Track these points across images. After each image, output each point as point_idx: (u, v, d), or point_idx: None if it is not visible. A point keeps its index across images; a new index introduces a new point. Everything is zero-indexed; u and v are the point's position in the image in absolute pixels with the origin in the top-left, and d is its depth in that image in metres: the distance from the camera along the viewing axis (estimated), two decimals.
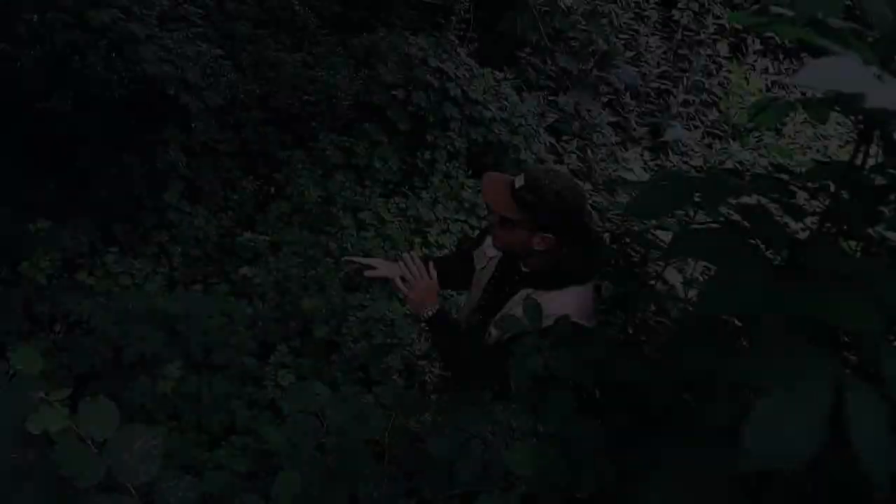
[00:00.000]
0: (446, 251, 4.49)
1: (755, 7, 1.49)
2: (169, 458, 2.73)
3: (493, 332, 2.13)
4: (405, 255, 2.24)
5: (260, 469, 3.20)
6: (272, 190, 5.00)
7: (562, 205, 1.95)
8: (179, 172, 4.33)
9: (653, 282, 2.28)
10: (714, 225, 1.21)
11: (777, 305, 0.84)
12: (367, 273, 2.42)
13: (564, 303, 1.97)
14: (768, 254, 1.02)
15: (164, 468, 1.85)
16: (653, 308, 2.27)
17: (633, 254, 2.48)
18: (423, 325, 2.65)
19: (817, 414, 0.75)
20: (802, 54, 6.57)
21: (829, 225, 1.27)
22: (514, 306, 2.08)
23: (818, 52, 1.02)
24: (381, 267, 2.42)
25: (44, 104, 3.98)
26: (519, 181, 2.01)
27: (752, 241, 1.06)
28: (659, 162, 5.44)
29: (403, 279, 2.19)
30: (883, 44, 0.97)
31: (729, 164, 4.65)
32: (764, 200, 1.45)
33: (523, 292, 2.08)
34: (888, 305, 0.80)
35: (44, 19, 3.81)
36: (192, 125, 4.29)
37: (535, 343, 1.73)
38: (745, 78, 5.83)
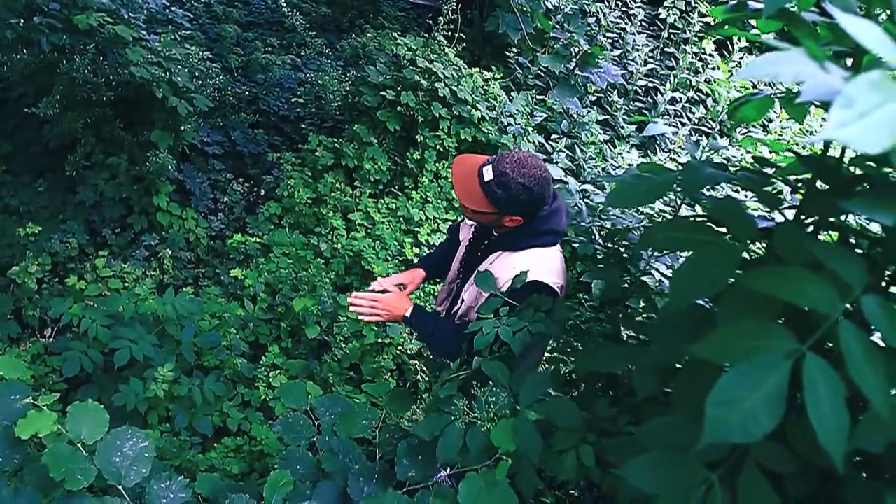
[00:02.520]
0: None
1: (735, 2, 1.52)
2: (161, 460, 2.74)
3: (465, 297, 2.26)
4: (348, 298, 2.38)
5: (253, 470, 3.22)
6: (262, 192, 5.01)
7: (529, 195, 2.05)
8: (169, 175, 4.32)
9: (641, 276, 2.30)
10: (695, 217, 1.23)
11: (743, 290, 0.86)
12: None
13: (532, 261, 2.09)
14: (739, 244, 1.04)
15: (156, 470, 1.86)
16: (642, 304, 2.30)
17: (622, 250, 2.50)
18: (405, 327, 2.76)
19: (774, 388, 0.77)
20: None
21: (805, 216, 1.29)
22: (486, 265, 2.20)
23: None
24: (410, 283, 2.58)
25: (31, 108, 3.97)
26: (487, 173, 2.08)
27: (723, 231, 1.08)
28: (647, 159, 5.47)
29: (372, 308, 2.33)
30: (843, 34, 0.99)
31: (717, 160, 4.67)
32: (749, 194, 1.47)
33: (494, 255, 2.21)
34: (849, 288, 0.83)
35: (30, 23, 3.80)
36: (181, 128, 4.28)
37: (495, 306, 1.80)
38: (731, 74, 5.86)
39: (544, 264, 2.09)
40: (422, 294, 4.29)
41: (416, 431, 1.69)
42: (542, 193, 2.07)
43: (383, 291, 2.38)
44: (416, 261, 4.37)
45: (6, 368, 1.95)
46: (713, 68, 5.86)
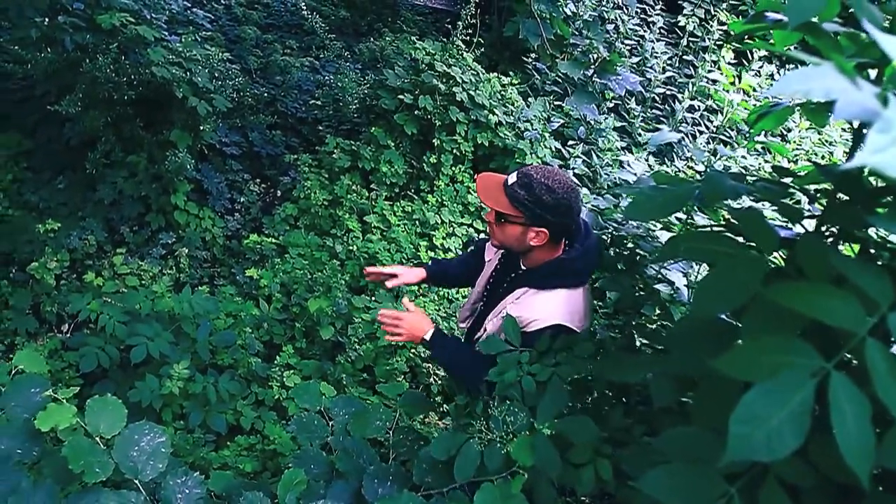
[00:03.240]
0: (451, 254, 4.52)
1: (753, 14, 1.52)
2: (176, 457, 2.76)
3: (488, 327, 2.21)
4: (378, 316, 2.35)
5: (265, 468, 3.23)
6: (279, 193, 5.04)
7: (552, 198, 1.98)
8: (187, 175, 4.36)
9: (656, 284, 2.29)
10: (711, 227, 1.23)
11: (767, 304, 0.86)
12: (390, 283, 2.53)
13: (558, 303, 2.05)
14: (763, 255, 1.04)
15: (171, 466, 1.88)
16: (657, 312, 2.29)
17: (636, 257, 2.49)
18: (424, 349, 2.74)
19: (799, 406, 0.77)
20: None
21: (826, 227, 1.29)
22: (509, 305, 2.15)
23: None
24: (405, 273, 2.56)
25: (54, 106, 4.02)
26: (511, 178, 2.06)
27: (746, 243, 1.08)
28: (664, 167, 5.45)
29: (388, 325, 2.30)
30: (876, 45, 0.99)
31: (734, 169, 4.66)
32: (768, 204, 1.47)
33: (521, 291, 2.14)
34: (875, 304, 0.83)
35: (54, 22, 3.85)
36: (200, 128, 4.32)
37: (515, 359, 1.80)
38: (750, 84, 5.84)
39: (570, 306, 2.05)
40: (436, 298, 4.30)
41: (432, 452, 1.69)
42: (568, 200, 2.00)
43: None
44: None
45: (26, 362, 1.97)
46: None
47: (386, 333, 2.28)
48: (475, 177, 2.27)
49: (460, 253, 4.57)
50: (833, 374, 0.80)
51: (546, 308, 2.04)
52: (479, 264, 2.51)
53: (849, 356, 0.86)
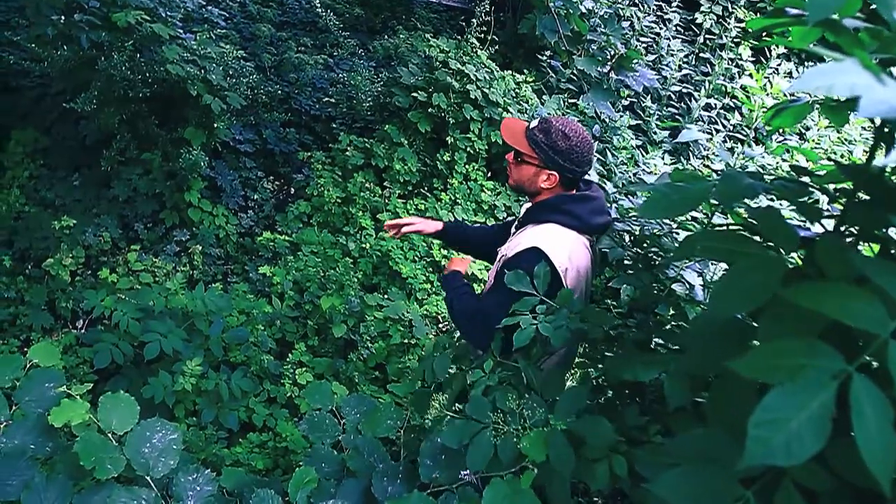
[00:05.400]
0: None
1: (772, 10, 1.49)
2: (187, 453, 2.77)
3: (499, 253, 2.28)
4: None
5: (277, 465, 3.24)
6: (292, 190, 5.05)
7: (567, 144, 2.12)
8: (201, 172, 4.38)
9: (672, 283, 2.27)
10: (729, 226, 1.21)
11: (786, 305, 0.84)
12: (406, 229, 2.67)
13: (545, 232, 2.12)
14: (781, 255, 1.02)
15: (183, 462, 1.88)
16: (671, 312, 2.26)
17: (652, 256, 2.47)
18: (440, 280, 2.82)
19: (820, 409, 0.75)
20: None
21: (846, 227, 1.26)
22: (511, 239, 2.26)
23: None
24: (421, 222, 2.70)
25: (69, 104, 4.05)
26: (533, 123, 2.21)
27: (764, 243, 1.06)
28: (679, 165, 5.40)
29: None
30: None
31: (751, 168, 4.60)
32: (785, 203, 1.44)
33: (521, 230, 2.24)
34: None
35: (70, 20, 3.87)
36: (214, 125, 4.33)
37: (532, 304, 1.79)
38: (769, 81, 5.77)
39: (554, 239, 2.09)
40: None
41: (442, 439, 1.68)
42: (581, 148, 2.13)
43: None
44: (443, 263, 4.37)
45: (41, 356, 1.98)
46: (748, 75, 5.76)
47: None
48: (501, 121, 2.42)
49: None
50: (855, 377, 0.78)
51: (531, 235, 2.12)
52: (502, 237, 2.52)
53: (866, 357, 0.84)
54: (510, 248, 2.16)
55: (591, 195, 2.22)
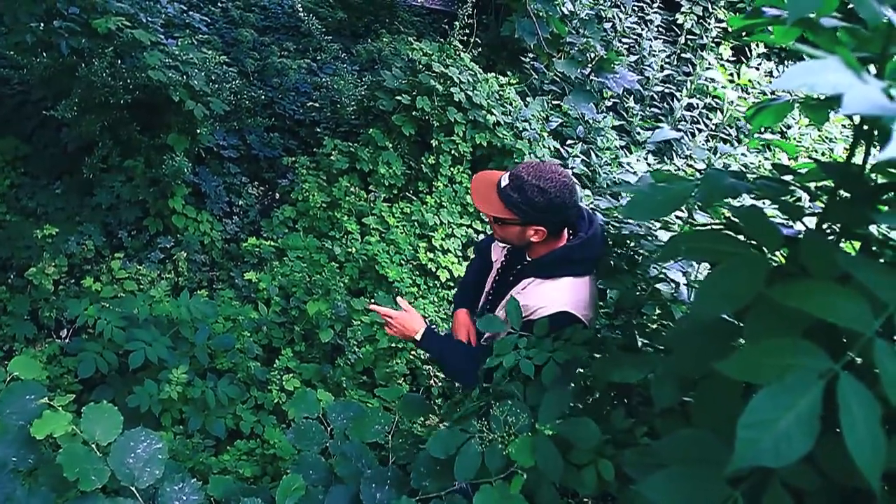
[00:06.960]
0: (450, 255, 4.50)
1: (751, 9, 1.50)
2: (174, 462, 2.75)
3: (500, 314, 2.20)
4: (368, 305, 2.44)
5: (265, 473, 3.22)
6: (277, 195, 5.03)
7: (544, 198, 2.00)
8: (184, 178, 4.34)
9: (656, 284, 2.27)
10: (713, 226, 1.21)
11: (771, 304, 0.84)
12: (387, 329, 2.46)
13: (564, 291, 2.06)
14: (765, 254, 1.02)
15: (169, 472, 1.86)
16: (657, 312, 2.27)
17: (636, 256, 2.48)
18: (417, 347, 2.77)
19: (808, 409, 0.75)
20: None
21: (827, 224, 1.27)
22: (517, 290, 2.17)
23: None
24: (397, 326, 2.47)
25: (50, 111, 4.01)
26: (504, 180, 2.07)
27: (748, 242, 1.06)
28: (663, 166, 5.43)
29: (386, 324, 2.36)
30: (876, 40, 0.97)
31: (734, 167, 4.64)
32: (767, 202, 1.45)
33: (527, 281, 2.16)
34: (882, 304, 0.81)
35: (50, 27, 3.83)
36: (197, 131, 4.30)
37: (513, 343, 1.79)
38: (749, 80, 5.82)
39: (575, 294, 2.05)
40: (436, 300, 4.28)
41: (430, 450, 1.67)
42: (561, 197, 2.01)
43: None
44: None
45: (22, 369, 1.95)
46: (731, 74, 5.81)
47: (386, 335, 2.30)
48: (471, 179, 2.30)
49: (459, 253, 4.56)
50: (842, 375, 0.78)
51: (551, 296, 2.05)
52: (488, 265, 2.50)
53: (850, 354, 0.84)
54: (528, 302, 2.05)
55: (592, 235, 2.11)
